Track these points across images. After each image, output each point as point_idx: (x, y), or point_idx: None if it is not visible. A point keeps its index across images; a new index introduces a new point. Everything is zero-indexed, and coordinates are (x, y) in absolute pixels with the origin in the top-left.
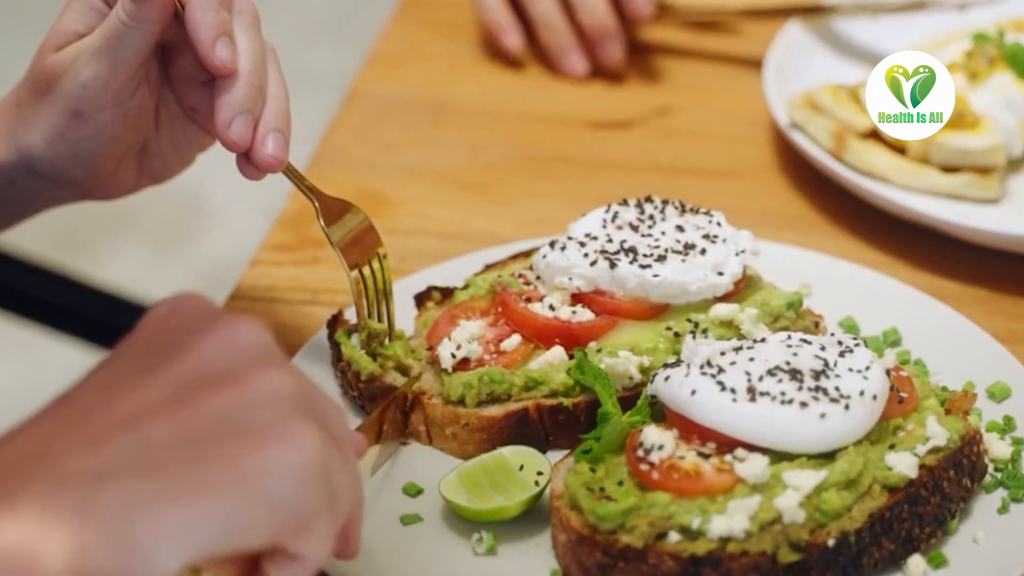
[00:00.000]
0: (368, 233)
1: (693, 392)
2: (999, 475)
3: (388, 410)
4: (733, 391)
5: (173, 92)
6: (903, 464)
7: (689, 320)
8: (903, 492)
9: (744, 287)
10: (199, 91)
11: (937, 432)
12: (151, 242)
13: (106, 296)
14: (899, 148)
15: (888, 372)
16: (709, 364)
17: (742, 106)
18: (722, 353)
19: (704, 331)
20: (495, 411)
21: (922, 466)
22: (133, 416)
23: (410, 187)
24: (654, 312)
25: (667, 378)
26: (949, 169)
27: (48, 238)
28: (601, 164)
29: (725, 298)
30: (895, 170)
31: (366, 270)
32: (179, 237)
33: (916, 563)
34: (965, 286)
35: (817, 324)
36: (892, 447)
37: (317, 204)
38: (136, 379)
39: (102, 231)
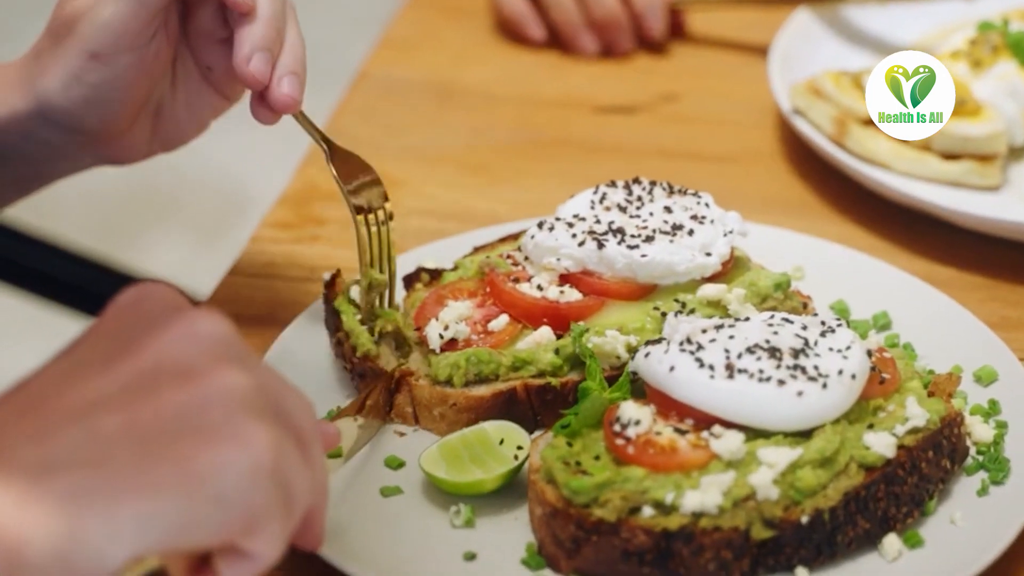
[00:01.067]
0: (375, 186)
1: (671, 368)
2: (980, 458)
3: (372, 395)
4: (711, 368)
5: (190, 49)
6: (881, 444)
7: (676, 300)
8: (880, 471)
9: (732, 268)
10: (216, 49)
11: (917, 413)
12: (192, 233)
13: (127, 277)
14: None
15: (870, 353)
16: (689, 341)
17: (749, 92)
18: (703, 331)
19: (691, 311)
20: (483, 391)
21: (900, 446)
22: (85, 407)
23: (412, 168)
24: (642, 292)
25: (647, 355)
26: (950, 156)
27: (91, 229)
28: (604, 148)
29: (713, 279)
30: (896, 157)
31: (371, 219)
32: (220, 229)
33: (891, 542)
34: (962, 272)
35: (805, 305)
36: (871, 427)
37: (327, 148)
38: (92, 369)
39: (144, 221)
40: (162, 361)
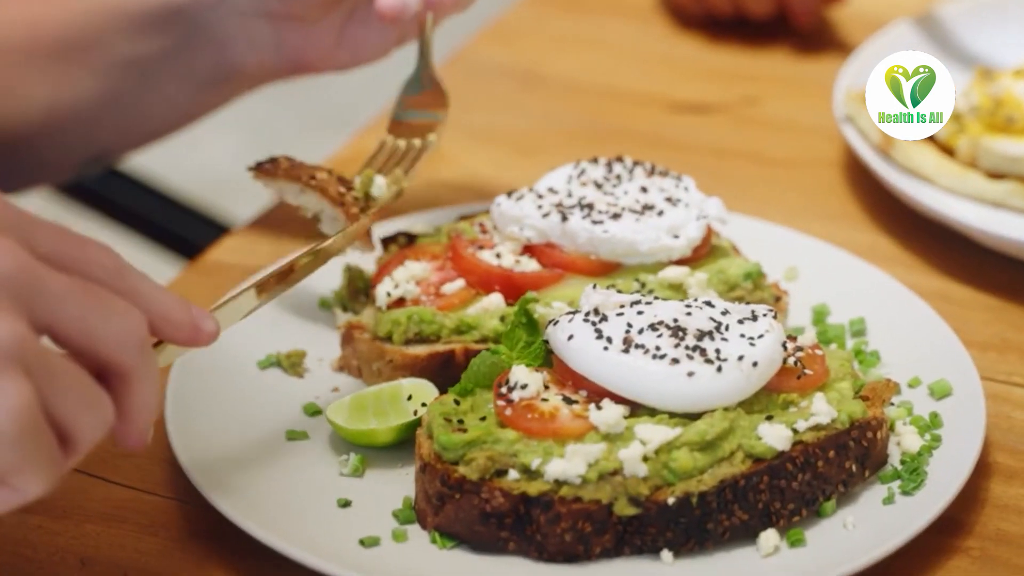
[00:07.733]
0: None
1: (570, 337)
2: (901, 467)
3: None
4: (609, 340)
5: None
6: (774, 435)
7: (637, 280)
8: (766, 463)
9: (707, 254)
10: None
11: (822, 410)
12: None
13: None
14: (948, 149)
15: (799, 348)
16: (596, 312)
17: (829, 99)
18: (620, 305)
19: (650, 291)
20: (420, 350)
21: (797, 442)
22: None
23: (463, 143)
24: (604, 269)
25: (556, 323)
26: (995, 175)
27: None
28: (664, 143)
29: (684, 263)
30: (940, 172)
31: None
32: None
33: (769, 537)
34: (979, 292)
35: (779, 299)
36: (770, 418)
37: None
38: None
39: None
40: None
